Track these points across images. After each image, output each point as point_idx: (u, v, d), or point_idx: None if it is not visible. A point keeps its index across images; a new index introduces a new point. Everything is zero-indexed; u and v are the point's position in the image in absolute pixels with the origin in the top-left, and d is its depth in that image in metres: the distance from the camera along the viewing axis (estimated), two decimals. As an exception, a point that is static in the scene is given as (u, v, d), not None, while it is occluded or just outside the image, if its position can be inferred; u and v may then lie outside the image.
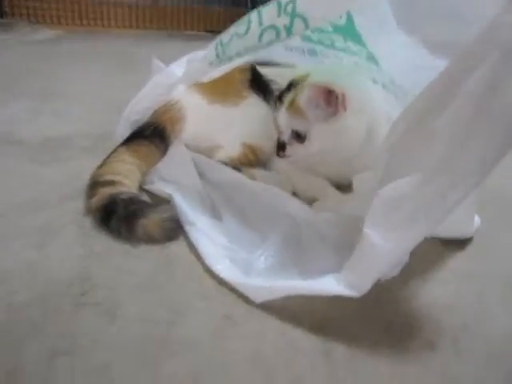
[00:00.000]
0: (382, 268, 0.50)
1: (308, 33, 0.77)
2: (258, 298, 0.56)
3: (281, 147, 0.76)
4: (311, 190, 0.80)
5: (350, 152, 0.75)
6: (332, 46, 0.77)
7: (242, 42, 0.65)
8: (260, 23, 0.62)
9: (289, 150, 0.75)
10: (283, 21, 0.59)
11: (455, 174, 0.46)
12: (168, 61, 0.94)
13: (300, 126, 0.74)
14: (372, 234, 0.48)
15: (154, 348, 0.50)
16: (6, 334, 0.50)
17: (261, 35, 0.62)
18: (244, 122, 0.88)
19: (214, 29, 2.81)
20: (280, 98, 0.76)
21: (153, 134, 0.85)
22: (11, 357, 0.47)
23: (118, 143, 0.85)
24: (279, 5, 0.59)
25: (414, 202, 0.47)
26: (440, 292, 0.62)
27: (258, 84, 0.88)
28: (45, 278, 0.59)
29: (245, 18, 0.64)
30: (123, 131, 0.87)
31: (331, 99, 0.71)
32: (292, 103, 0.73)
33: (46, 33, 2.41)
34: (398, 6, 0.54)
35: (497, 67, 0.41)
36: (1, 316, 0.52)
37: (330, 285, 0.52)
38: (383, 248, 0.48)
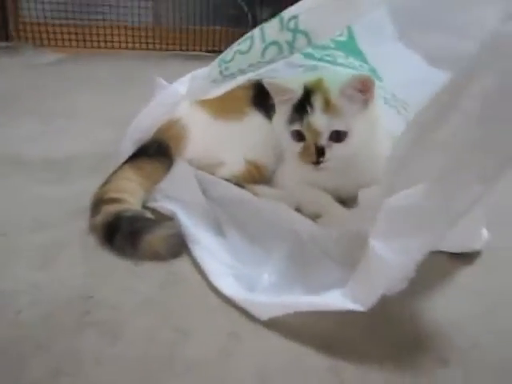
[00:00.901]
0: (388, 280, 0.49)
1: (310, 50, 0.78)
2: (264, 315, 0.55)
3: (320, 153, 0.74)
4: (315, 204, 0.80)
5: (379, 145, 0.76)
6: (334, 62, 0.77)
7: (245, 58, 0.66)
8: (263, 39, 0.62)
9: (328, 153, 0.74)
10: (285, 36, 0.60)
11: (457, 185, 0.45)
12: (171, 80, 0.94)
13: (340, 125, 0.73)
14: (377, 245, 0.48)
15: (158, 369, 0.49)
16: (9, 351, 0.49)
17: (263, 51, 0.63)
18: (247, 138, 0.88)
19: (215, 49, 2.84)
20: (301, 106, 0.75)
21: (157, 152, 0.86)
22: (14, 375, 0.46)
23: (122, 161, 0.85)
24: (281, 20, 0.60)
25: (419, 212, 0.47)
26: (449, 308, 0.61)
27: (260, 101, 0.89)
28: (48, 298, 0.58)
29: (248, 35, 0.65)
30: (127, 149, 0.88)
31: (365, 87, 0.72)
32: (327, 104, 0.73)
33: (50, 55, 2.45)
34: (397, 19, 0.55)
35: (496, 82, 0.42)
36: (5, 334, 0.52)
37: (335, 300, 0.51)
38: (389, 259, 0.47)
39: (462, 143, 0.45)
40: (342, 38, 0.67)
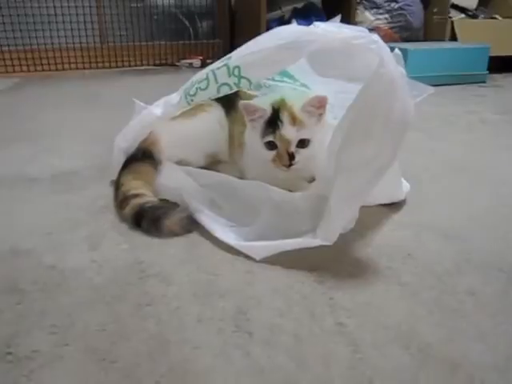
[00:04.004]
0: (343, 224, 0.80)
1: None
2: (258, 255, 0.81)
3: (291, 157, 0.93)
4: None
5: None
6: (272, 79, 1.06)
7: (205, 93, 0.93)
8: (216, 81, 0.89)
9: (297, 156, 0.94)
10: (233, 80, 0.87)
11: (367, 172, 0.78)
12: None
13: (305, 134, 0.94)
14: (334, 205, 0.78)
15: (205, 298, 0.73)
16: (94, 305, 0.71)
17: (218, 89, 0.90)
18: (202, 133, 1.07)
19: (161, 62, 3.05)
20: (272, 121, 0.94)
21: (144, 157, 1.05)
22: (110, 314, 0.69)
23: (115, 167, 1.05)
24: (228, 68, 0.87)
25: (356, 187, 0.79)
26: (389, 237, 0.91)
27: (226, 100, 1.06)
28: (109, 267, 0.80)
29: (203, 77, 0.92)
30: (117, 157, 1.08)
31: (320, 104, 0.95)
32: (293, 118, 0.93)
33: (4, 82, 2.55)
34: (312, 65, 0.84)
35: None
36: (87, 295, 0.73)
37: (309, 240, 0.80)
38: (341, 212, 0.78)
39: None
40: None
